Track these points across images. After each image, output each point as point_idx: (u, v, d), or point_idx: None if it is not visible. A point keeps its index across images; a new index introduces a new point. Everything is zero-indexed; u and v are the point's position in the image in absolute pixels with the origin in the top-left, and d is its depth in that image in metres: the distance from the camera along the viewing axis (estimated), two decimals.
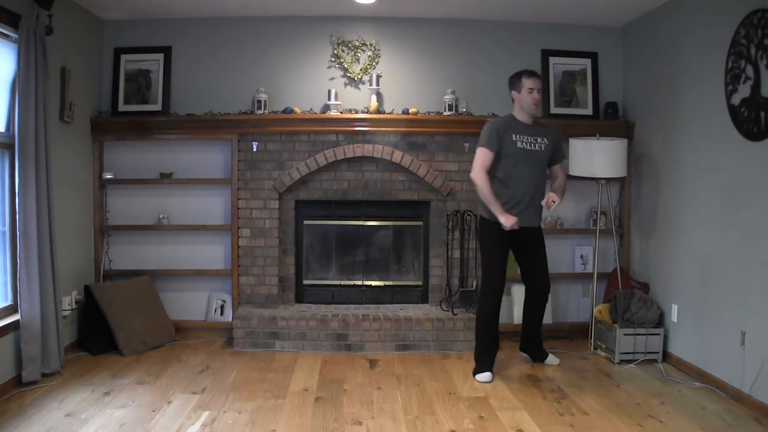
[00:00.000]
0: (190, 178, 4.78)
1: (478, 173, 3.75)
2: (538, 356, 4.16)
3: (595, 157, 4.33)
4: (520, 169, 3.77)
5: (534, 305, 4.06)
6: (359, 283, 4.92)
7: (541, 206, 3.88)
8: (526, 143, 3.78)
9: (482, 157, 3.75)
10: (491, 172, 3.78)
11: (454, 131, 4.71)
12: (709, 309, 3.78)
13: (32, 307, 3.60)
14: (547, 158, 3.89)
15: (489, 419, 3.23)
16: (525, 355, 4.23)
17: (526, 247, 3.93)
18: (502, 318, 4.86)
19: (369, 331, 4.43)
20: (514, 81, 3.82)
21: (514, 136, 3.76)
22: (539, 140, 3.82)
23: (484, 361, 3.87)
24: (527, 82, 3.76)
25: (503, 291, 3.90)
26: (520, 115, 3.83)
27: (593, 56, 4.91)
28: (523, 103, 3.78)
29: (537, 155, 3.81)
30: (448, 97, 4.70)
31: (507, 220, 3.69)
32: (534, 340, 4.14)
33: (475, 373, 3.87)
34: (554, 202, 3.77)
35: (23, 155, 3.56)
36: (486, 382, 3.77)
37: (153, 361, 4.14)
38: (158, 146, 4.78)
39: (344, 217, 4.89)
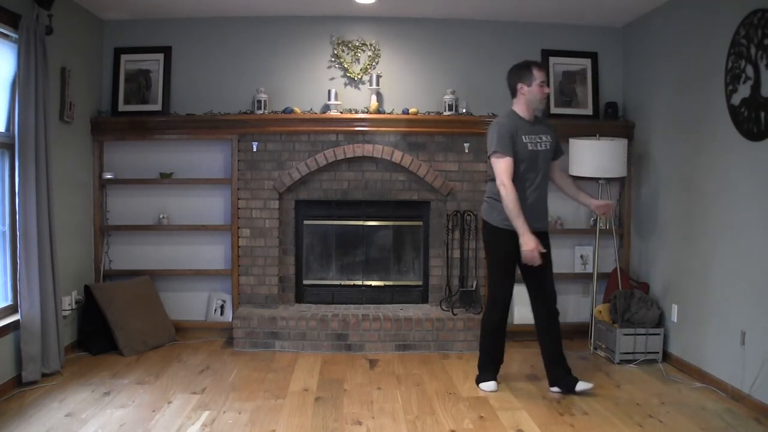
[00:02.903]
0: (190, 178, 4.78)
1: (504, 183, 3.35)
2: (566, 384, 3.57)
3: (595, 157, 4.33)
4: (532, 172, 3.46)
5: (547, 321, 3.61)
6: (359, 283, 4.92)
7: (548, 208, 3.65)
8: (535, 144, 3.46)
9: (504, 165, 3.37)
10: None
11: (454, 131, 4.71)
12: (709, 309, 3.78)
13: (32, 307, 3.60)
14: (551, 156, 3.59)
15: (489, 419, 3.23)
16: (555, 389, 3.62)
17: None
18: None
19: (369, 331, 4.43)
20: (523, 73, 3.44)
21: (524, 137, 3.43)
22: (543, 138, 3.50)
23: (489, 370, 3.69)
24: (539, 75, 3.42)
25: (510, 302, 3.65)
26: (524, 112, 3.49)
27: (593, 56, 4.91)
28: (534, 97, 3.43)
29: (544, 155, 3.52)
30: (448, 97, 4.70)
31: (529, 243, 3.32)
32: (558, 363, 3.60)
33: (478, 381, 3.71)
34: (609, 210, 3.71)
35: (23, 155, 3.56)
36: (492, 391, 3.61)
37: (153, 361, 4.14)
38: (158, 146, 4.78)
39: (344, 217, 4.89)
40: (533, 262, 3.38)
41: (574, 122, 4.78)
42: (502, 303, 3.60)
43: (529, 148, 3.45)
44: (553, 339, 3.60)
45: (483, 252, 4.75)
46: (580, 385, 3.55)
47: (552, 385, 3.64)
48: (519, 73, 3.47)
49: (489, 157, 3.48)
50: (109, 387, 3.62)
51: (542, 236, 3.51)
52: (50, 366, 3.73)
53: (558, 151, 3.67)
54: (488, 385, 3.66)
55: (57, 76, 4.07)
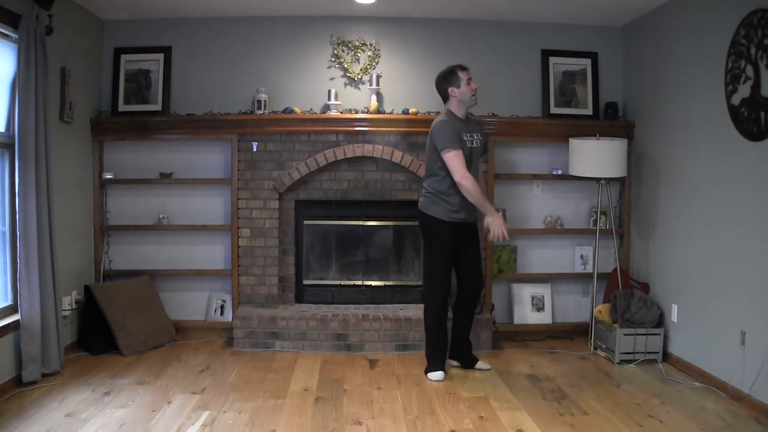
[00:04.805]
0: (190, 178, 4.78)
1: (465, 175, 3.63)
2: (467, 361, 4.00)
3: (595, 157, 4.33)
4: (469, 168, 3.72)
5: (468, 304, 3.96)
6: (359, 283, 4.92)
7: None
8: (471, 141, 3.78)
9: (460, 158, 3.65)
10: (443, 174, 3.73)
11: None
12: (709, 309, 3.78)
13: (32, 307, 3.60)
14: (480, 153, 3.91)
15: (489, 419, 3.23)
16: (455, 362, 4.03)
17: (468, 243, 3.88)
18: (502, 318, 4.91)
19: (369, 331, 4.43)
20: (450, 78, 3.77)
21: (463, 135, 3.73)
22: (475, 136, 3.82)
23: (437, 359, 3.84)
24: (463, 75, 3.74)
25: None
26: (459, 111, 3.79)
27: (593, 56, 4.90)
28: (464, 96, 3.75)
29: (476, 152, 3.84)
30: None
31: (497, 220, 3.67)
32: (465, 343, 4.01)
33: (427, 371, 3.86)
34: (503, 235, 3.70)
35: (23, 155, 3.56)
36: (439, 381, 3.76)
37: (153, 361, 4.14)
38: (158, 146, 4.78)
39: (344, 217, 4.88)
40: (503, 238, 3.70)
41: (574, 122, 4.77)
42: (443, 292, 3.82)
43: (468, 145, 3.76)
44: (467, 319, 3.99)
45: (483, 252, 4.77)
46: (481, 364, 4.00)
47: (452, 356, 4.01)
48: (447, 78, 3.79)
49: (439, 153, 3.68)
50: (109, 387, 3.62)
51: (473, 227, 3.90)
52: (50, 366, 3.73)
53: (485, 149, 4.05)
54: (437, 375, 3.80)
55: (57, 76, 4.07)
